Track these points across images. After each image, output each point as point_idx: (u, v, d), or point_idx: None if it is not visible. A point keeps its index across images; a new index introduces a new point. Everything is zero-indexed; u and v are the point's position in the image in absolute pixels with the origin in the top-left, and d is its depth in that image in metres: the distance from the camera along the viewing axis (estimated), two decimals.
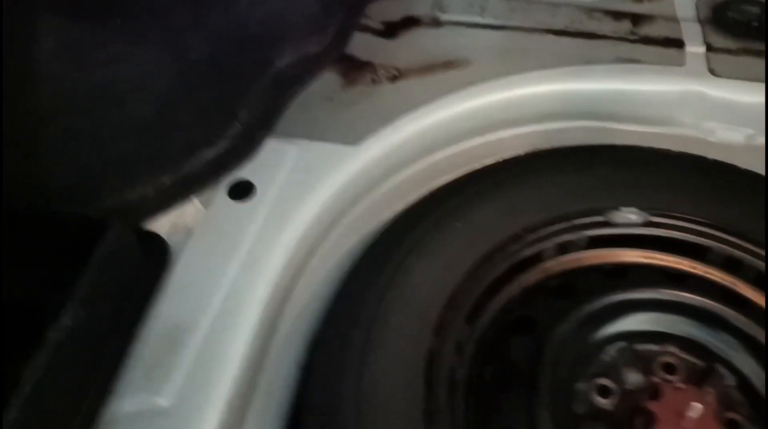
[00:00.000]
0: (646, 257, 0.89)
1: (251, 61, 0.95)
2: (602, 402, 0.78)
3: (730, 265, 0.86)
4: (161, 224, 0.88)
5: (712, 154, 0.97)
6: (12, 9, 0.72)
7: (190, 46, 0.87)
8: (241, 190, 0.91)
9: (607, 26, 1.10)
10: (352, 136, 0.95)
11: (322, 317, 0.82)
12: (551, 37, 1.09)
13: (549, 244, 0.88)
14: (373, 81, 1.02)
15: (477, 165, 0.98)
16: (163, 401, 0.72)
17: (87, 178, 0.85)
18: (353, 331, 0.76)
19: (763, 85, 1.01)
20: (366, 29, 1.10)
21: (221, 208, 0.89)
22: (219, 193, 0.90)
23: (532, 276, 0.88)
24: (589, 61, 1.04)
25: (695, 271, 0.87)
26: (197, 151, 0.90)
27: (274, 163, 0.93)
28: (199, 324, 0.78)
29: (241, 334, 0.77)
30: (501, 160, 0.98)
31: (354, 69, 1.04)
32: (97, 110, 0.85)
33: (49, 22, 0.80)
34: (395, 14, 1.12)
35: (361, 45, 1.06)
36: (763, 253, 0.85)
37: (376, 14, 1.12)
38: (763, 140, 1.01)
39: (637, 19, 1.11)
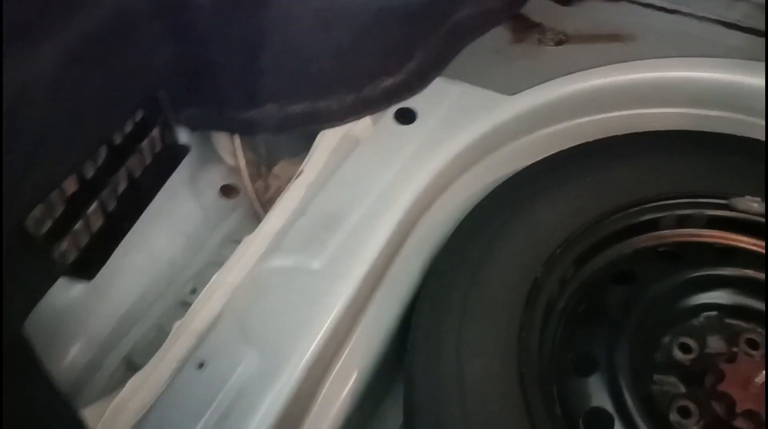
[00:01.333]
0: (758, 245, 0.94)
1: (436, 9, 1.09)
2: (681, 356, 0.87)
3: None
4: (337, 131, 1.07)
5: None
6: None
7: None
8: (406, 116, 1.07)
9: None
10: (510, 88, 1.07)
11: (453, 230, 0.97)
12: (721, 28, 1.12)
13: (669, 215, 0.96)
14: (540, 41, 1.13)
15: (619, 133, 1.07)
16: (315, 264, 0.92)
17: (289, 84, 1.05)
18: (474, 243, 0.90)
19: None
20: None
21: (386, 128, 1.06)
22: (387, 114, 1.07)
23: (645, 240, 0.96)
24: (752, 56, 1.07)
25: None
26: (377, 79, 1.07)
27: (438, 98, 1.08)
28: (352, 214, 0.96)
29: (383, 228, 0.95)
30: (647, 131, 1.05)
31: (524, 28, 1.15)
32: (308, 30, 1.04)
33: None
34: None
35: (536, 7, 1.17)
36: None
37: None
38: None
39: None
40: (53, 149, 0.79)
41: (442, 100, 1.08)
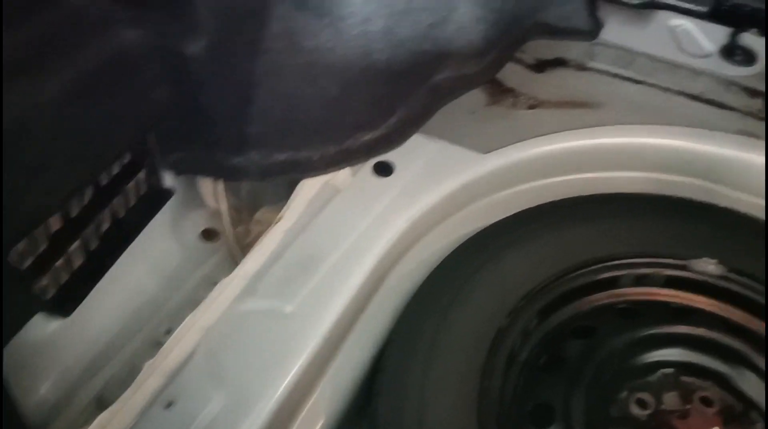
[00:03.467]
0: (714, 306, 0.98)
1: (418, 71, 1.16)
2: (637, 411, 0.90)
3: None
4: (317, 180, 1.11)
5: None
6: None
7: (375, 50, 1.09)
8: (383, 169, 1.12)
9: (740, 101, 1.19)
10: (484, 147, 1.13)
11: (422, 280, 1.01)
12: (684, 99, 1.20)
13: (628, 274, 1.00)
14: (513, 105, 1.20)
15: (587, 193, 1.12)
16: (288, 308, 0.95)
17: (273, 133, 1.10)
18: (443, 291, 0.94)
19: None
20: (519, 61, 1.27)
21: (365, 179, 1.11)
22: (366, 166, 1.12)
23: (605, 297, 1.00)
24: (713, 127, 1.14)
25: (758, 328, 0.95)
26: (359, 133, 1.12)
27: (415, 154, 1.13)
28: (327, 260, 0.99)
29: (357, 275, 0.98)
30: (611, 193, 1.11)
31: (499, 92, 1.22)
32: (296, 82, 1.09)
33: (282, 9, 1.05)
34: (548, 54, 1.29)
35: (510, 73, 1.24)
36: None
37: (532, 51, 1.28)
38: None
39: None
40: (42, 184, 0.83)
41: (419, 156, 1.13)
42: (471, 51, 1.19)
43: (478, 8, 1.15)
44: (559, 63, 1.27)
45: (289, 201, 1.09)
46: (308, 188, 1.10)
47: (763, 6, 1.33)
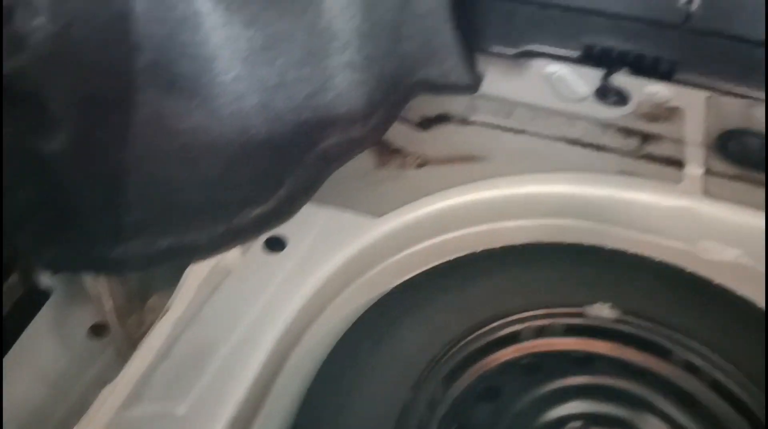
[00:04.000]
0: (613, 350, 0.99)
1: (301, 141, 1.14)
2: None
3: (689, 369, 0.96)
4: (206, 263, 1.06)
5: (698, 268, 1.07)
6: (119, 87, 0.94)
7: (253, 126, 1.07)
8: (275, 244, 1.09)
9: (617, 141, 1.23)
10: (376, 210, 1.12)
11: (323, 360, 0.97)
12: (564, 145, 1.23)
13: (528, 327, 1.00)
14: (402, 165, 1.20)
15: (482, 248, 1.13)
16: (180, 409, 0.89)
17: (154, 219, 1.05)
18: (343, 373, 0.91)
19: (755, 211, 1.11)
20: (405, 121, 1.28)
21: (256, 257, 1.07)
22: (256, 243, 1.08)
23: (508, 353, 1.00)
24: (593, 169, 1.18)
25: (657, 369, 0.97)
26: (247, 209, 1.08)
27: (307, 224, 1.10)
28: (219, 352, 0.94)
29: (252, 365, 0.93)
30: (502, 246, 1.12)
31: (387, 153, 1.22)
32: (174, 165, 1.05)
33: (148, 94, 1.02)
34: (432, 110, 1.30)
35: (397, 134, 1.24)
36: (721, 363, 0.94)
37: (416, 109, 1.29)
38: (750, 261, 1.10)
39: (645, 137, 1.23)
40: None
41: (312, 226, 1.11)
42: (354, 116, 1.19)
43: (356, 73, 1.15)
44: (443, 119, 1.29)
45: (176, 289, 1.03)
46: (197, 273, 1.05)
47: (630, 48, 1.41)
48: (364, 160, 1.20)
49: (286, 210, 1.13)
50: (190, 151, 1.05)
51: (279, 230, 1.10)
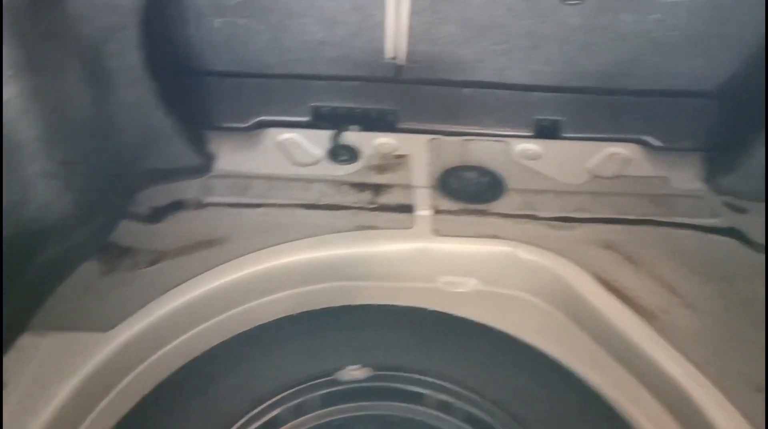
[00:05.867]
0: (371, 408, 0.99)
1: (13, 250, 1.01)
2: None
3: (442, 408, 0.98)
4: None
5: (441, 305, 1.12)
6: None
7: None
8: None
9: (351, 197, 1.26)
10: (106, 323, 1.02)
11: None
12: (303, 210, 1.23)
13: (285, 408, 0.96)
14: (133, 266, 1.11)
15: (234, 334, 1.08)
16: None
17: None
18: None
19: (481, 239, 1.18)
20: (133, 215, 1.20)
21: None
22: None
23: None
24: (333, 230, 1.19)
25: (413, 415, 0.98)
26: None
27: (26, 358, 0.98)
28: None
29: None
30: (255, 326, 1.08)
31: (115, 256, 1.13)
32: None
33: None
34: (164, 199, 1.24)
35: (124, 231, 1.16)
36: (469, 395, 0.97)
37: (146, 200, 1.23)
38: (485, 288, 1.17)
39: (377, 189, 1.28)
40: None
41: (32, 359, 0.98)
42: (68, 223, 1.09)
43: (58, 181, 1.07)
44: (176, 207, 1.23)
45: None
46: None
47: (354, 105, 1.47)
48: (88, 269, 1.10)
49: None
50: None
51: None
